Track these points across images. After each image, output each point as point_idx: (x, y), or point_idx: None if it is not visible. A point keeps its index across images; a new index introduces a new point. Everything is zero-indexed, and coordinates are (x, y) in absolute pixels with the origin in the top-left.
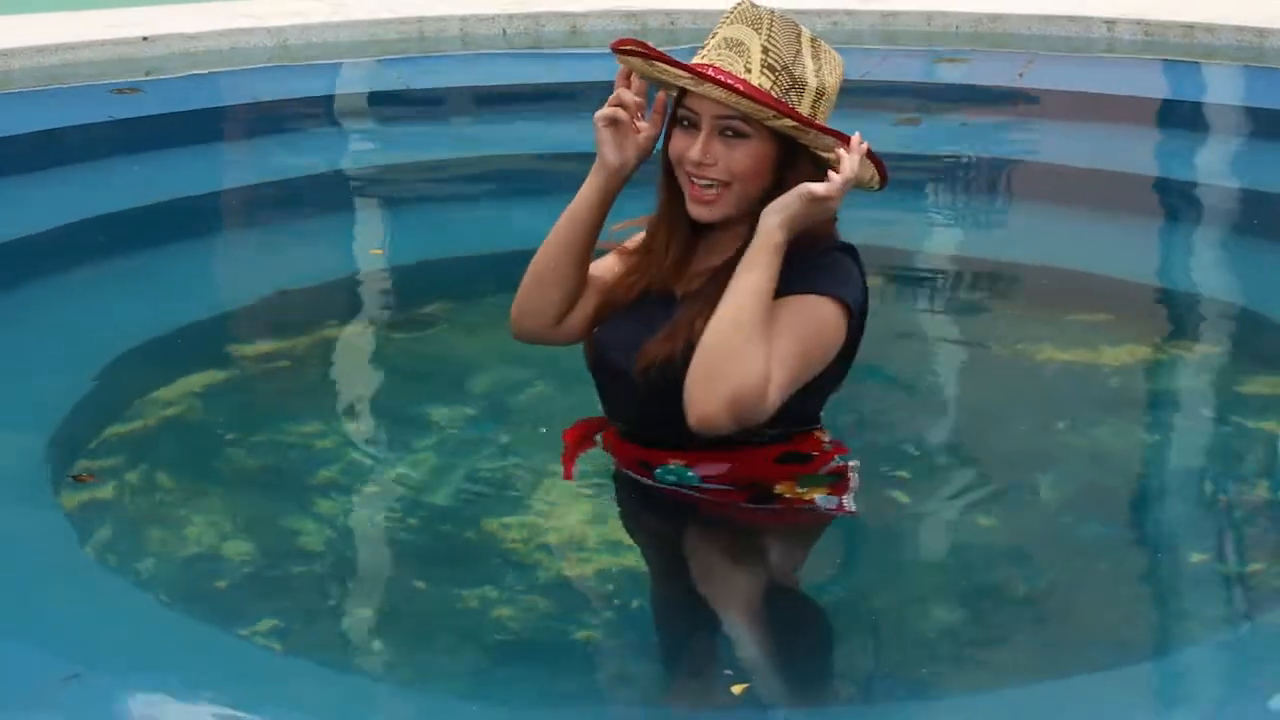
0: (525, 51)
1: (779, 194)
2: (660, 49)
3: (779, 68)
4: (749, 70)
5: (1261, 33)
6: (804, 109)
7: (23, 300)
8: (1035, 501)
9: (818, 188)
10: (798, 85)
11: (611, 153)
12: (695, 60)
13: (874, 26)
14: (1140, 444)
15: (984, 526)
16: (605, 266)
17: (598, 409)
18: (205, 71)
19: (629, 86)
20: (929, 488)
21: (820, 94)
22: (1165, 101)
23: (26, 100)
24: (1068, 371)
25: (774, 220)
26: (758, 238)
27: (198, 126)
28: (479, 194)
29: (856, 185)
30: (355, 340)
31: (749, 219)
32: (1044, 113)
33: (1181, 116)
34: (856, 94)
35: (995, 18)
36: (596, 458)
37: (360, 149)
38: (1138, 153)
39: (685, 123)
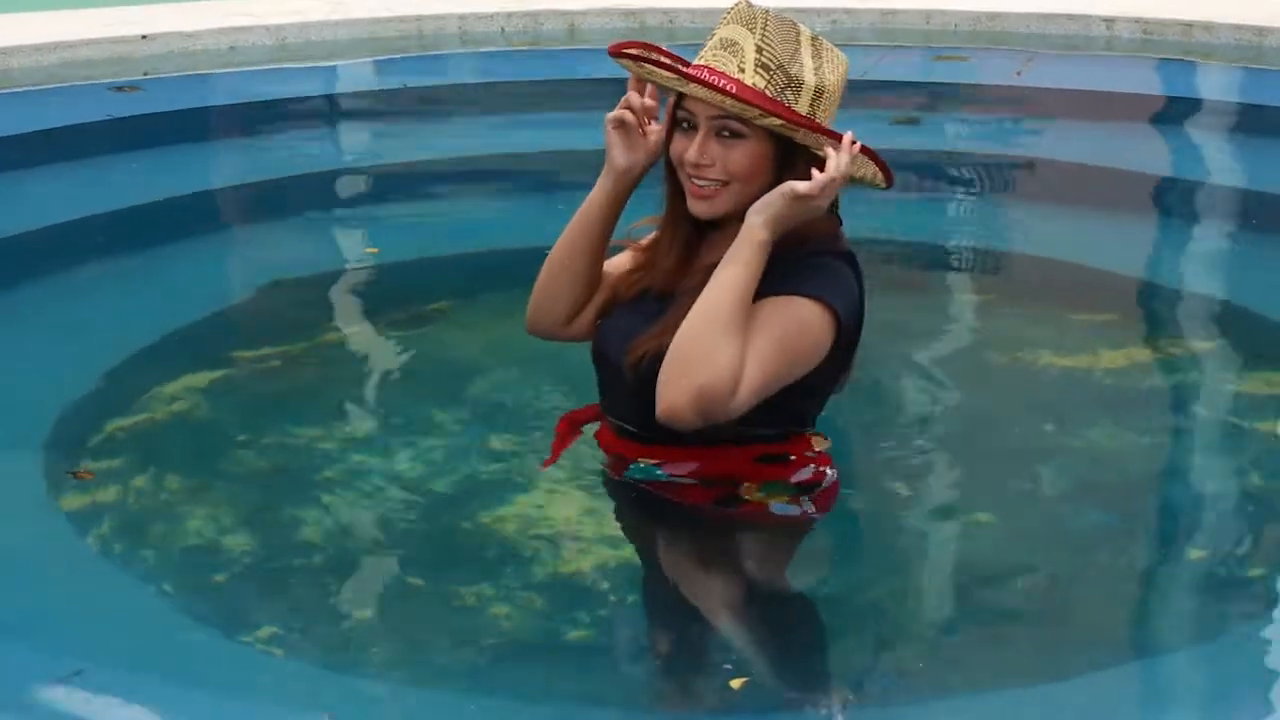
0: (524, 49)
1: None
2: (661, 47)
3: (774, 67)
4: (742, 70)
5: (1260, 31)
6: (801, 107)
7: (22, 298)
8: (1033, 501)
9: (800, 186)
10: (794, 84)
11: (620, 155)
12: (695, 61)
13: (873, 25)
14: (1138, 443)
15: (982, 525)
16: (618, 264)
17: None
18: (204, 70)
19: (640, 90)
20: (927, 486)
21: (820, 92)
22: (1164, 99)
23: (26, 99)
24: (1066, 371)
25: (757, 219)
26: (741, 235)
27: (196, 125)
28: (475, 192)
29: (861, 184)
30: (353, 338)
31: None
32: (1043, 110)
33: (1180, 115)
34: (855, 93)
35: (994, 16)
36: (594, 455)
37: (358, 147)
38: (1137, 151)
39: (684, 124)
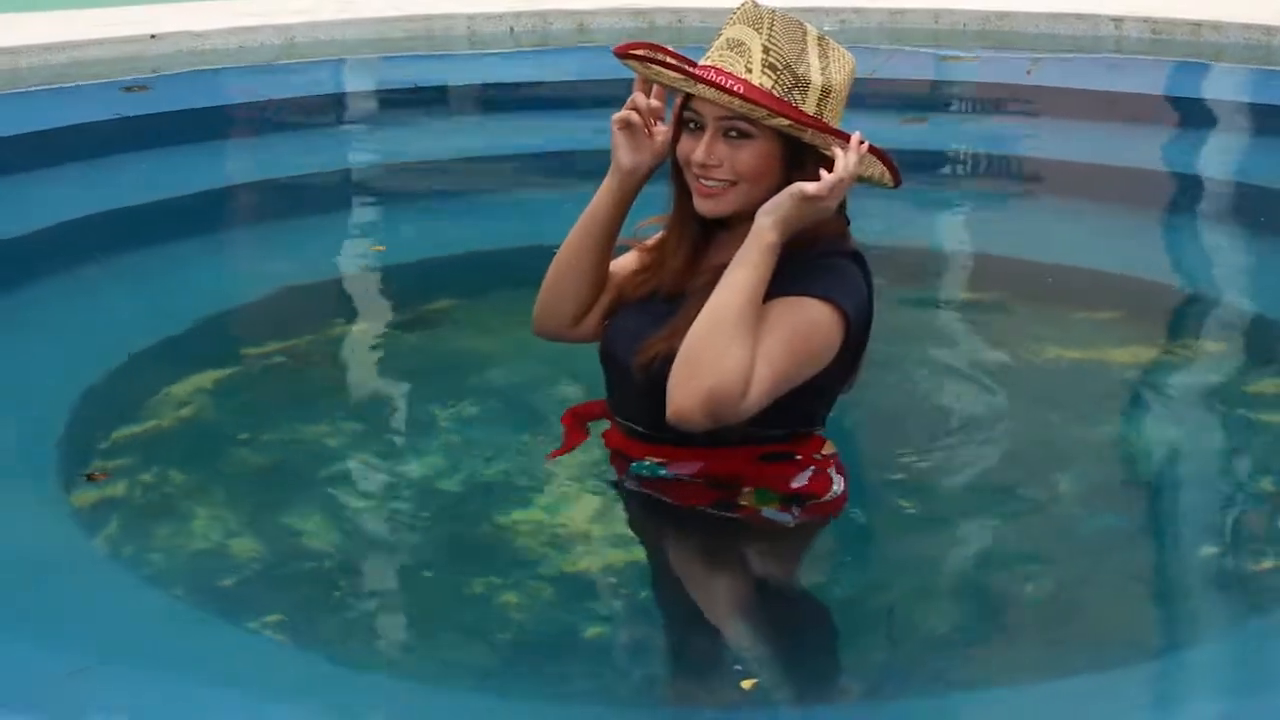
0: (532, 50)
1: None
2: (668, 48)
3: (780, 67)
4: (749, 70)
5: (1269, 30)
6: (809, 107)
7: (31, 298)
8: (1043, 499)
9: (809, 187)
10: (801, 84)
11: (625, 155)
12: (701, 62)
13: (881, 25)
14: (1148, 442)
15: (992, 525)
16: (624, 264)
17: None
18: (212, 69)
19: (647, 91)
20: (936, 486)
21: (827, 92)
22: (1173, 99)
23: (35, 98)
24: (1075, 370)
25: (766, 220)
26: (750, 236)
27: (205, 124)
28: (483, 191)
29: (869, 183)
30: (360, 337)
31: None
32: (1053, 110)
33: (1189, 114)
34: (863, 93)
35: (1003, 15)
36: (603, 454)
37: (366, 146)
38: (1145, 150)
39: (691, 125)
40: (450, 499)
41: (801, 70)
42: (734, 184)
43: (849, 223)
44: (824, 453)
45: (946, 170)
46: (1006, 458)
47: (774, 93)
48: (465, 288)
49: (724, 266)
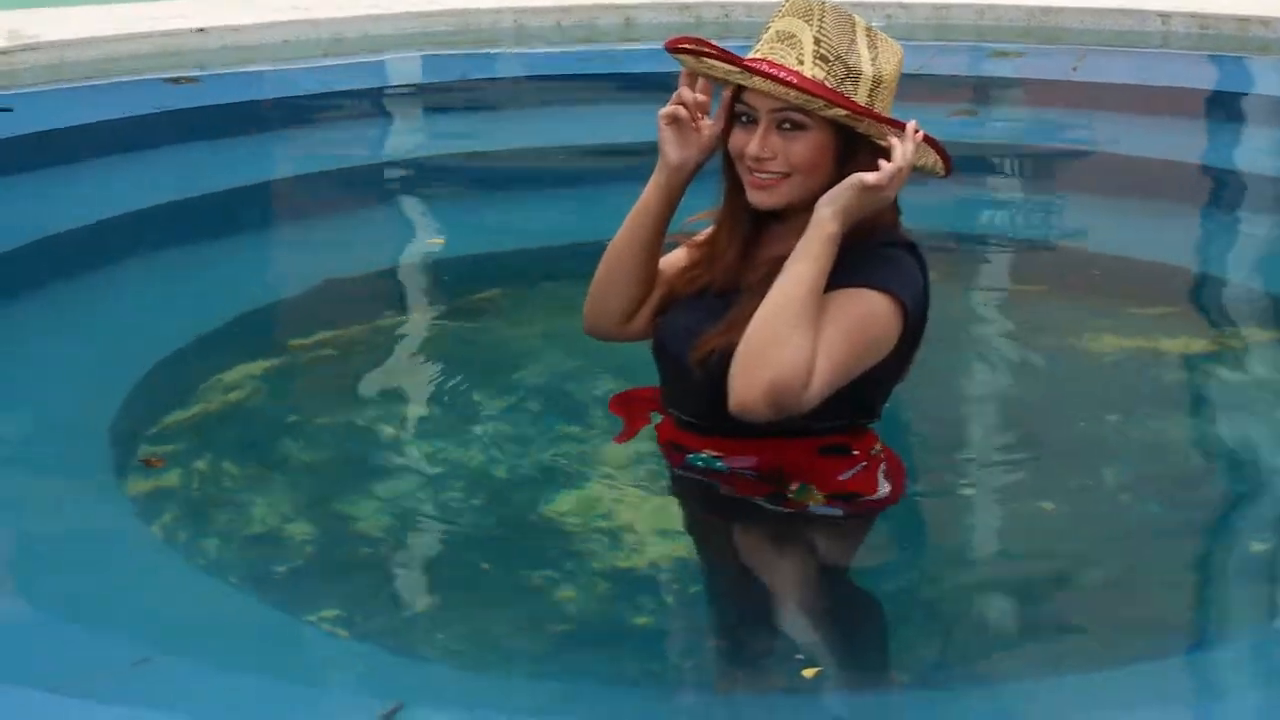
0: (579, 45)
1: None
2: (715, 42)
3: (832, 58)
4: (801, 62)
5: None
6: (860, 98)
7: (81, 289)
8: (1095, 490)
9: (869, 177)
10: (852, 74)
11: (673, 151)
12: (749, 55)
13: (927, 20)
14: (1200, 434)
15: (1044, 515)
16: (674, 260)
17: None
18: (258, 64)
19: (693, 85)
20: (988, 476)
21: (878, 82)
22: (1219, 94)
23: (81, 92)
24: (1126, 362)
25: (826, 211)
26: (810, 228)
27: (252, 117)
28: (534, 186)
29: (921, 172)
30: (413, 329)
31: (810, 211)
32: (1099, 104)
33: (1236, 109)
34: (911, 87)
35: (1048, 11)
36: (653, 443)
37: (415, 140)
38: (1192, 144)
39: (744, 118)
40: (501, 488)
41: (853, 61)
42: (787, 176)
43: (900, 213)
44: (876, 449)
45: (993, 163)
46: (1057, 449)
47: (826, 84)
48: (514, 281)
49: (777, 259)
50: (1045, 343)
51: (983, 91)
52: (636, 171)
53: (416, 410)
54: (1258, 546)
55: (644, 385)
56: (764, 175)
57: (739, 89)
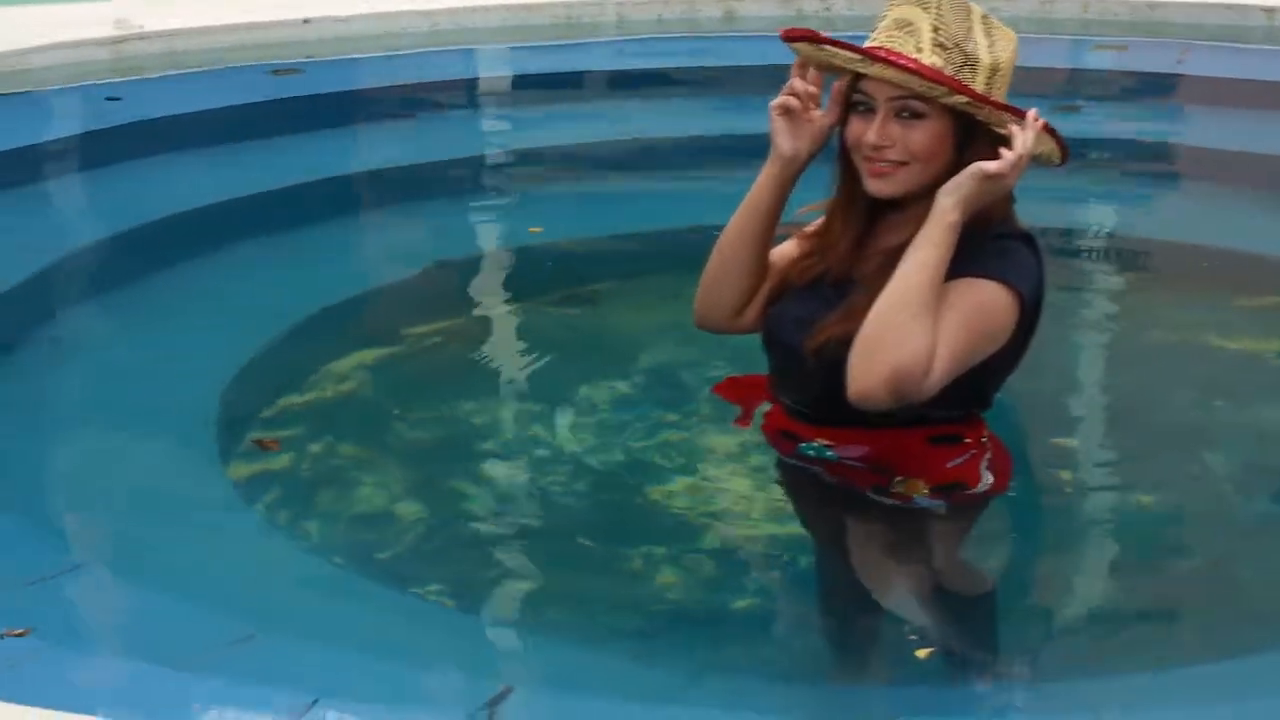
0: (681, 36)
1: (958, 172)
2: (823, 34)
3: (950, 45)
4: (920, 50)
5: None
6: (978, 85)
7: (193, 275)
8: (1201, 481)
9: (990, 166)
10: (970, 62)
11: (785, 142)
12: (866, 44)
13: (1032, 14)
14: None
15: (1148, 505)
16: (784, 252)
17: None
18: (362, 53)
19: (804, 76)
20: (1093, 466)
21: (994, 70)
22: None
23: (189, 80)
24: (1232, 354)
25: (948, 200)
26: (931, 217)
27: (358, 106)
28: (638, 174)
29: (1037, 161)
30: (518, 315)
31: (926, 200)
32: (1204, 99)
33: None
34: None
35: (1154, 5)
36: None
37: (518, 130)
38: None
39: (861, 107)
40: (607, 474)
41: (970, 49)
42: (905, 164)
43: (1015, 201)
44: (985, 438)
45: (1098, 156)
46: (1162, 441)
47: (945, 71)
48: (619, 269)
49: (892, 249)
50: (1151, 335)
51: (1086, 85)
52: (731, 162)
53: (523, 396)
54: None
55: (745, 372)
56: (882, 163)
57: (855, 78)
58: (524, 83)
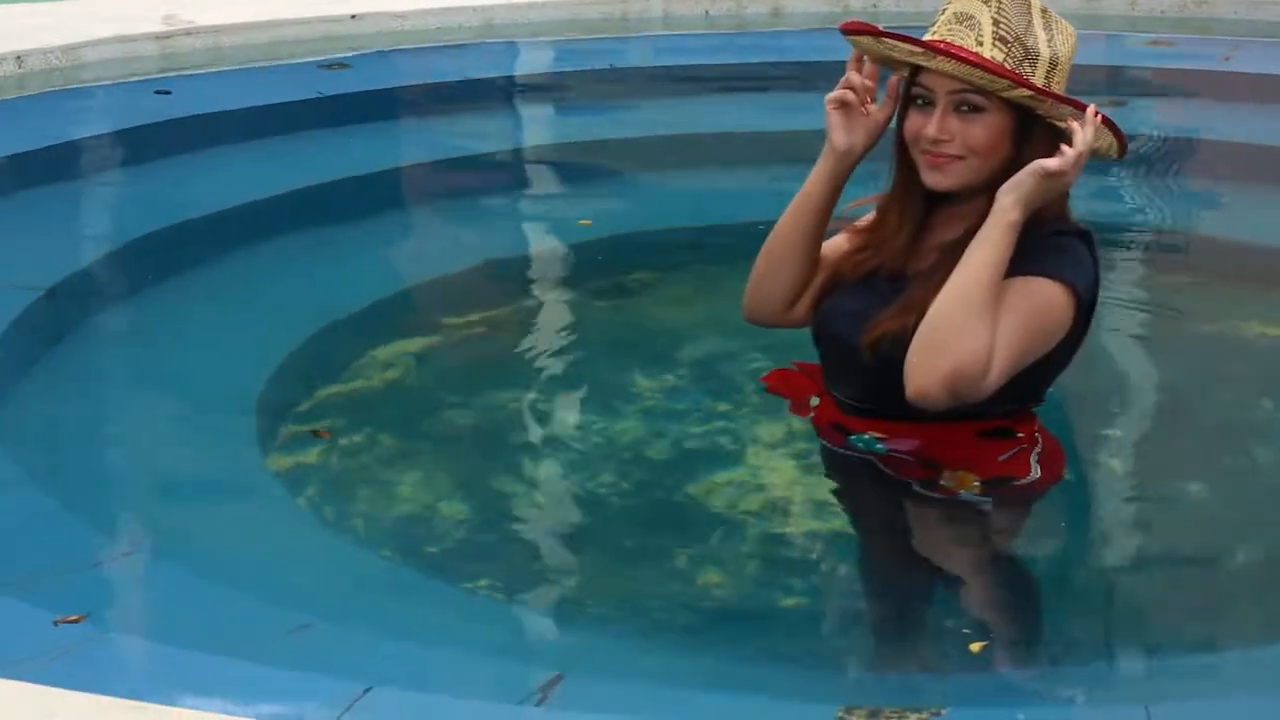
0: (728, 32)
1: (1016, 167)
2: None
3: (1011, 39)
4: (980, 44)
5: None
6: (1038, 79)
7: (240, 267)
8: (1246, 473)
9: (1051, 163)
10: (1030, 56)
11: (840, 136)
12: (925, 38)
13: (1077, 10)
14: None
15: (1197, 499)
16: (835, 245)
17: None
18: (411, 48)
19: (859, 70)
20: (1142, 460)
21: (1054, 64)
22: None
23: (237, 76)
24: (1276, 348)
25: (1009, 199)
26: (992, 216)
27: (405, 102)
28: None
29: (1096, 155)
30: (564, 307)
31: (983, 195)
32: (1251, 95)
33: None
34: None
35: (1201, 2)
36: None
37: (565, 125)
38: None
39: (920, 100)
40: (653, 465)
41: (1030, 42)
42: (962, 158)
43: (1069, 197)
44: (1035, 433)
45: (1144, 152)
46: (1211, 435)
47: (1005, 65)
48: (668, 262)
49: (947, 245)
50: (1199, 329)
51: (1133, 81)
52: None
53: (569, 388)
54: None
55: (790, 364)
56: (940, 156)
57: (914, 71)
58: (574, 77)
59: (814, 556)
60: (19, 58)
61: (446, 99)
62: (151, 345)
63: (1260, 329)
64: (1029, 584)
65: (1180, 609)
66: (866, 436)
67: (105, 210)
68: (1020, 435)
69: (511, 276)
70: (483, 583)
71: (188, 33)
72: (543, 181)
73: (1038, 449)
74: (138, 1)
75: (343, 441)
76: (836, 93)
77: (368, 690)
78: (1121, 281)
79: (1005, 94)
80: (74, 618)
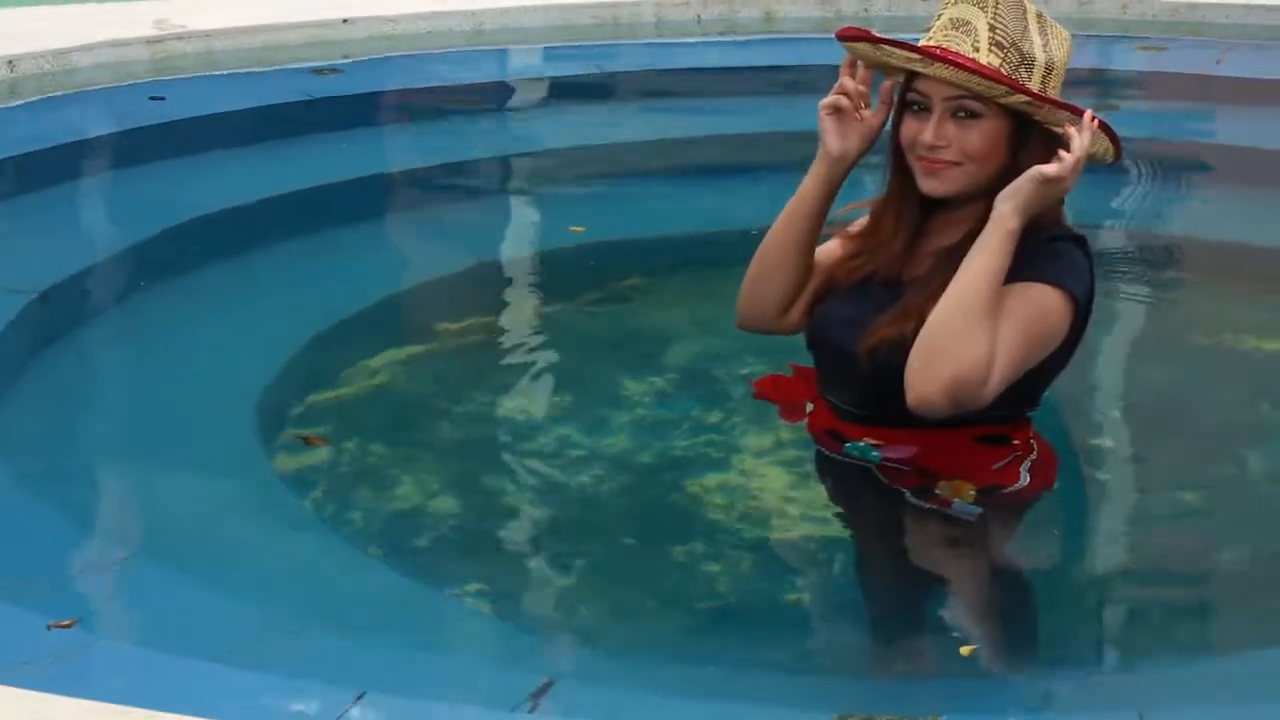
0: (719, 38)
1: (1013, 173)
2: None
3: (1007, 45)
4: (977, 49)
5: None
6: (1034, 85)
7: (230, 272)
8: (1240, 478)
9: (1049, 169)
10: (1027, 61)
11: (834, 141)
12: (921, 44)
13: (1069, 14)
14: None
15: (1190, 504)
16: (828, 251)
17: None
18: (403, 53)
19: (853, 75)
20: (1131, 463)
21: (1049, 69)
22: None
23: (229, 80)
24: (1271, 353)
25: (1007, 206)
26: (991, 224)
27: (397, 106)
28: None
29: (1091, 160)
30: (557, 314)
31: (979, 200)
32: (1243, 99)
33: None
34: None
35: (1192, 6)
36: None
37: (558, 130)
38: None
39: (915, 106)
40: (645, 470)
41: (1026, 48)
42: (959, 164)
43: (1063, 202)
44: (1031, 440)
45: (1138, 157)
46: (1204, 440)
47: (1002, 70)
48: (658, 267)
49: (944, 250)
50: (1194, 334)
51: (1126, 85)
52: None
53: (561, 393)
54: None
55: (783, 370)
56: (937, 162)
57: (910, 77)
58: (566, 83)
59: (807, 562)
60: (11, 62)
61: (438, 104)
62: (143, 349)
63: (1252, 332)
64: (1022, 590)
65: (1173, 614)
66: (862, 444)
67: (98, 214)
68: (1016, 442)
69: (504, 282)
70: (475, 589)
71: (179, 37)
72: (535, 187)
73: (1032, 456)
74: (130, 6)
75: (335, 448)
76: (830, 98)
77: (360, 696)
78: (1114, 286)
79: (1003, 100)
80: (66, 623)
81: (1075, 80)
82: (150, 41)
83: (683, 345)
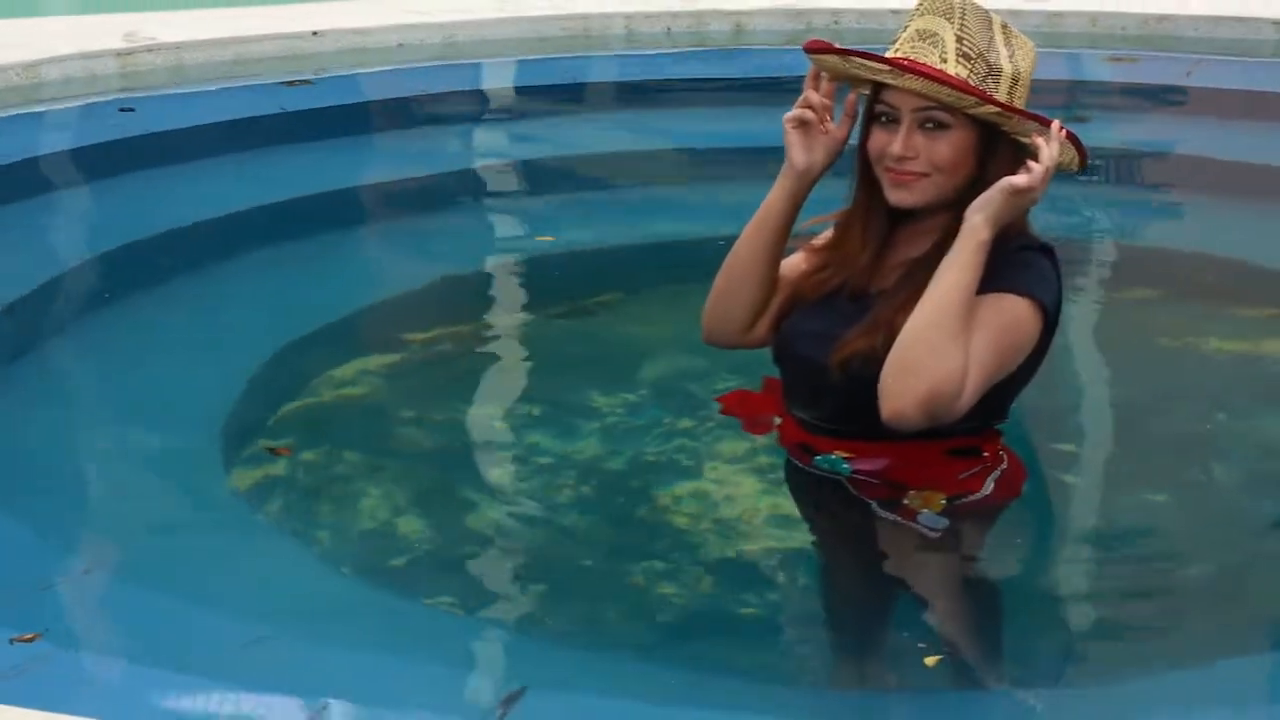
0: (689, 50)
1: (980, 183)
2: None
3: (974, 56)
4: (944, 60)
5: None
6: (1001, 95)
7: (199, 284)
8: (1205, 488)
9: (1019, 180)
10: (994, 72)
11: (799, 155)
12: (888, 55)
13: (1039, 27)
14: None
15: (1155, 514)
16: (793, 265)
17: None
18: (373, 66)
19: (817, 88)
20: (1099, 472)
21: (1016, 79)
22: None
23: (200, 94)
24: (1236, 362)
25: (978, 218)
26: (961, 237)
27: (367, 118)
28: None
29: (1057, 169)
30: (525, 324)
31: (946, 211)
32: (1211, 111)
33: None
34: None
35: (1162, 19)
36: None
37: (528, 141)
38: None
39: (883, 118)
40: (614, 481)
41: (993, 59)
42: (927, 175)
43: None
44: (1000, 451)
45: (1105, 167)
46: (1167, 450)
47: (970, 81)
48: (625, 279)
49: (912, 262)
50: (1156, 344)
51: (1095, 97)
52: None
53: (530, 405)
54: None
55: (755, 385)
56: (905, 173)
57: (877, 89)
58: (536, 94)
59: (776, 573)
60: None
61: (409, 116)
62: (110, 361)
63: (1218, 343)
64: (990, 601)
65: (1138, 624)
66: (833, 456)
67: (66, 227)
68: (986, 455)
69: (473, 293)
70: (444, 598)
71: (149, 49)
72: (505, 198)
73: (1002, 467)
74: (99, 18)
75: (302, 458)
76: (795, 112)
77: (326, 706)
78: (1077, 295)
79: (972, 110)
80: (29, 636)
81: (1048, 90)
82: (120, 54)
83: (653, 356)
